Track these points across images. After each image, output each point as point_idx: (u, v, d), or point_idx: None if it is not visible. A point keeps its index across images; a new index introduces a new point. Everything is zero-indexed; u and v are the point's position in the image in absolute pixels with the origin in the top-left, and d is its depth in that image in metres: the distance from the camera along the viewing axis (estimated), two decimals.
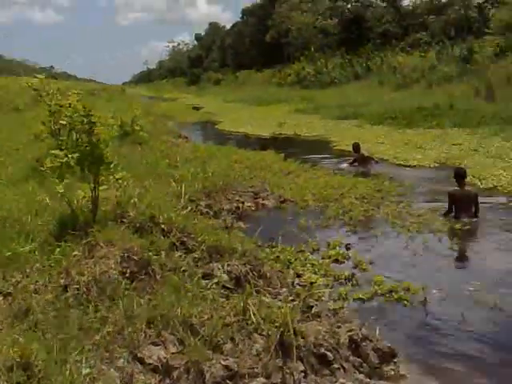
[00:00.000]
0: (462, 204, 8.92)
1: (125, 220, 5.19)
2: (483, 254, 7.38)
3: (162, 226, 5.20)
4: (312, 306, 5.07)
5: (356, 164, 13.88)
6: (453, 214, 8.91)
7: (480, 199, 9.10)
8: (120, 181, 5.35)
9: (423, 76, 30.92)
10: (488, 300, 5.64)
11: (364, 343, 4.45)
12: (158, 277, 4.26)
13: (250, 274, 5.11)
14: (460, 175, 9.14)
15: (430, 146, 15.87)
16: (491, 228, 8.42)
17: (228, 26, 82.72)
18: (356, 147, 14.10)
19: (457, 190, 9.02)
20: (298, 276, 6.25)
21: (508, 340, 5.05)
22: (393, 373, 4.36)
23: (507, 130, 16.52)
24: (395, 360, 4.48)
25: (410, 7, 47.56)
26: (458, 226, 8.34)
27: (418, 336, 5.13)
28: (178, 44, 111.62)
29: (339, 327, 4.62)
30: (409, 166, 13.69)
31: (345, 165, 14.00)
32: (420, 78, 31.05)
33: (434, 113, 21.66)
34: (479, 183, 11.19)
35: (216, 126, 27.10)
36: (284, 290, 5.36)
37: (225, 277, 4.78)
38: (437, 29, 39.33)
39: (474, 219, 8.77)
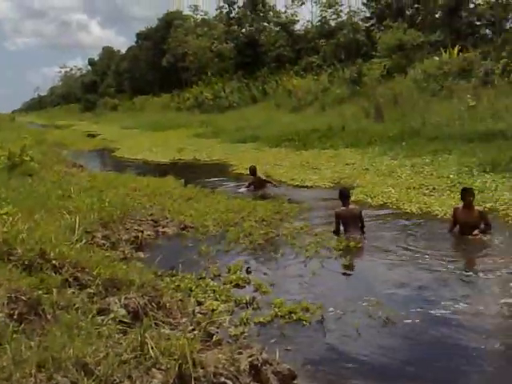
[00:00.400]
0: (349, 222, 9.27)
1: (12, 258, 4.95)
2: (376, 269, 7.67)
3: (54, 261, 4.99)
4: (213, 334, 5.04)
5: (252, 188, 14.00)
6: (342, 232, 9.25)
7: (371, 216, 9.51)
8: (5, 216, 5.12)
9: (317, 98, 31.88)
10: (381, 315, 5.86)
11: (264, 367, 4.47)
12: (49, 316, 4.08)
13: (149, 305, 5.02)
14: (344, 195, 9.51)
15: (325, 167, 16.37)
16: (382, 244, 8.76)
17: (123, 51, 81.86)
18: (252, 170, 14.19)
19: (342, 210, 9.36)
20: (199, 304, 6.21)
21: (400, 352, 5.25)
22: None
23: (395, 149, 17.36)
24: (295, 382, 4.53)
25: (302, 31, 48.99)
26: (352, 243, 8.63)
27: (317, 355, 5.23)
28: (71, 69, 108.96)
29: (240, 353, 4.61)
30: (306, 187, 14.06)
31: (243, 189, 14.10)
32: (314, 100, 32.00)
33: (328, 134, 22.35)
34: (370, 200, 11.69)
35: (113, 154, 26.60)
36: (184, 319, 5.30)
37: (122, 311, 4.67)
38: (328, 52, 40.66)
39: (363, 235, 9.17)
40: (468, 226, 8.81)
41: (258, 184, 14.01)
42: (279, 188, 14.03)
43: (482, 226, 8.81)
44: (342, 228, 9.30)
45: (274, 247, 8.79)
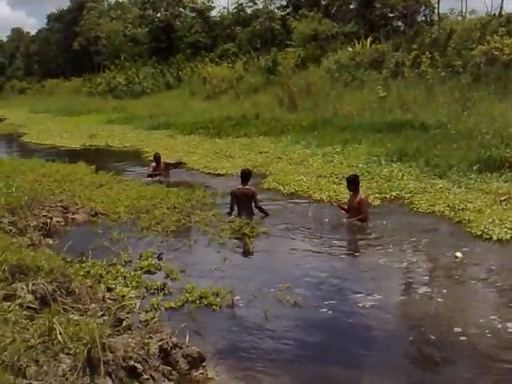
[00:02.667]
0: (241, 201, 9.79)
1: None
2: (287, 256, 7.89)
3: None
4: (123, 320, 5.06)
5: (158, 177, 13.66)
6: (235, 212, 9.79)
7: (283, 204, 9.84)
8: None
9: (231, 86, 31.90)
10: (290, 299, 6.07)
11: (174, 351, 4.55)
12: None
13: (58, 291, 4.97)
14: (242, 175, 10.03)
15: (238, 155, 16.52)
16: (293, 231, 9.03)
17: (33, 33, 78.87)
18: (157, 158, 13.97)
19: (238, 189, 9.87)
20: (109, 290, 6.19)
21: (306, 335, 5.47)
22: (202, 377, 4.53)
23: (307, 138, 17.72)
24: (204, 364, 4.65)
25: (218, 18, 48.81)
26: (264, 229, 8.85)
27: (226, 338, 5.38)
28: None
29: (150, 338, 4.67)
30: (218, 175, 14.15)
31: (148, 179, 13.58)
32: (228, 88, 32.00)
33: (242, 122, 22.50)
34: (282, 188, 11.93)
35: (21, 138, 25.77)
36: (94, 305, 5.28)
37: (29, 297, 4.60)
38: (244, 40, 40.68)
39: (256, 215, 9.72)
40: (351, 211, 9.37)
41: (163, 171, 13.86)
42: (191, 175, 14.05)
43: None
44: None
45: (186, 234, 8.87)
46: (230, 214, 9.80)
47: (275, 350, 5.11)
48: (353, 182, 9.44)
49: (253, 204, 9.83)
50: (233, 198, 9.89)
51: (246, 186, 9.94)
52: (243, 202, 9.84)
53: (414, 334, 5.48)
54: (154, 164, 13.97)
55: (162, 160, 14.01)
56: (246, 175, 10.02)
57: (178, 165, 14.37)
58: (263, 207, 9.97)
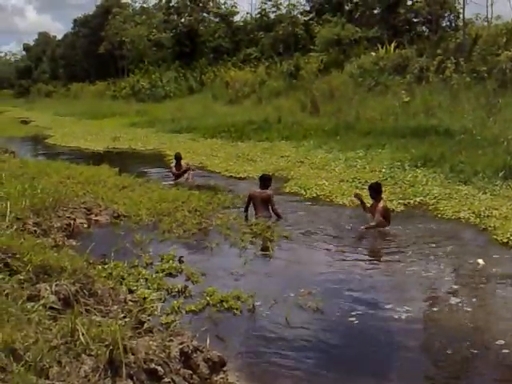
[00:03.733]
0: (258, 203, 9.95)
1: None
2: (309, 260, 7.88)
3: None
4: (144, 322, 5.07)
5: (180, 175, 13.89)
6: (251, 213, 10.02)
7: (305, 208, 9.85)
8: None
9: (254, 90, 31.94)
10: (311, 304, 6.03)
11: (195, 354, 4.54)
12: None
13: (80, 292, 4.99)
14: (261, 179, 10.23)
15: (260, 159, 16.53)
16: (314, 235, 8.99)
17: (59, 37, 79.82)
18: (177, 157, 14.17)
19: (255, 191, 10.09)
20: (131, 292, 6.21)
21: (328, 341, 5.41)
22: (222, 381, 4.51)
23: (330, 143, 17.65)
24: (225, 369, 4.63)
25: (242, 23, 48.88)
26: (286, 233, 8.83)
27: (247, 343, 5.37)
28: (5, 54, 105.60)
29: (171, 341, 4.67)
30: (240, 178, 14.15)
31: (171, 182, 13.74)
32: (251, 92, 32.05)
33: (264, 126, 22.50)
34: (304, 193, 11.91)
35: (47, 141, 26.01)
36: (116, 307, 5.30)
37: (52, 297, 4.63)
38: (266, 45, 40.64)
39: (272, 218, 9.85)
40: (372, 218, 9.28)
41: (183, 172, 13.99)
42: (212, 178, 14.11)
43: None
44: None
45: (207, 237, 8.87)
46: (245, 214, 10.06)
47: (296, 356, 5.07)
48: (375, 190, 9.37)
49: (270, 207, 9.93)
50: (249, 200, 10.12)
51: (264, 190, 10.07)
52: (259, 204, 10.00)
53: (450, 346, 5.22)
54: (173, 164, 14.11)
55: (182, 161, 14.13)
56: (265, 180, 10.20)
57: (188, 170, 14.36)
58: (283, 210, 10.06)
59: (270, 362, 4.96)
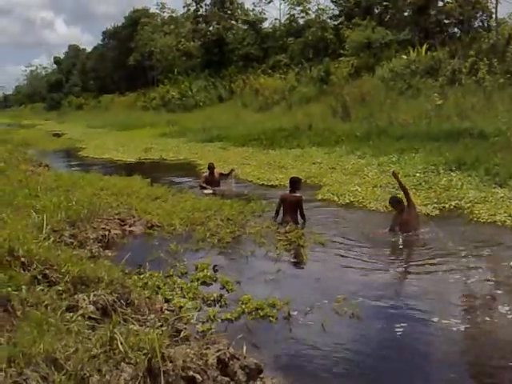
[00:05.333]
0: (287, 206, 10.06)
1: None
2: (344, 266, 7.79)
3: (22, 259, 5.00)
4: (181, 330, 5.10)
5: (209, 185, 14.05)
6: (280, 217, 10.10)
7: (339, 214, 9.89)
8: None
9: (284, 98, 31.85)
10: (347, 310, 6.00)
11: (231, 362, 4.55)
12: (18, 313, 4.10)
13: (117, 302, 5.06)
14: (291, 182, 10.30)
15: (291, 166, 16.48)
16: (350, 242, 8.92)
17: (89, 49, 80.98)
18: (210, 167, 14.37)
19: (285, 194, 10.26)
20: (167, 301, 6.27)
21: (365, 349, 5.37)
22: None
23: (362, 148, 17.50)
24: (261, 376, 4.63)
25: (270, 30, 48.90)
26: (321, 240, 8.79)
27: (283, 350, 5.34)
28: (36, 68, 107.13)
29: (208, 348, 4.69)
30: (271, 186, 14.14)
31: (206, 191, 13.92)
32: (281, 99, 31.96)
33: (295, 133, 22.40)
34: (337, 199, 11.84)
35: (79, 153, 26.33)
36: (152, 316, 5.35)
37: (91, 307, 4.70)
38: (296, 50, 40.55)
39: (300, 223, 9.99)
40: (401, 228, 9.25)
41: (216, 181, 14.18)
42: (244, 187, 14.16)
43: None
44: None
45: (241, 245, 8.88)
46: (275, 218, 10.17)
47: (333, 363, 5.04)
48: (396, 203, 9.33)
49: (298, 211, 10.03)
50: (280, 203, 10.23)
51: (294, 194, 10.16)
52: (288, 207, 10.10)
53: (500, 358, 5.09)
54: (206, 174, 14.25)
55: (215, 170, 14.24)
56: (293, 182, 10.28)
57: (230, 173, 14.58)
58: (316, 217, 10.19)
59: (307, 370, 4.94)
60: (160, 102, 46.33)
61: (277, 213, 10.24)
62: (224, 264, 7.94)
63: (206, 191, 13.82)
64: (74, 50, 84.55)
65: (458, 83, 21.72)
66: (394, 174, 9.62)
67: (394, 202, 9.38)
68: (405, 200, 9.23)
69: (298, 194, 10.17)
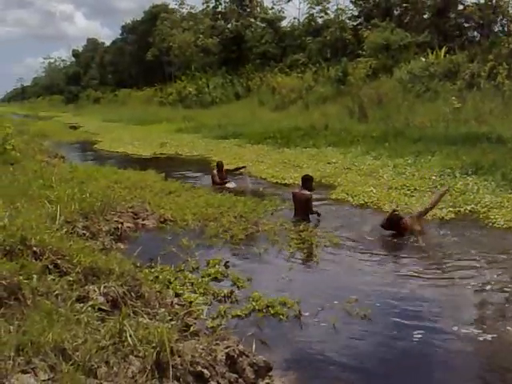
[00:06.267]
0: (297, 203, 10.24)
1: None
2: (356, 267, 7.72)
3: (34, 248, 4.98)
4: (190, 325, 5.08)
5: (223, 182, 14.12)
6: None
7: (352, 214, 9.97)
8: None
9: (301, 96, 31.72)
10: (359, 312, 5.94)
11: (240, 359, 4.52)
12: (28, 302, 4.08)
13: (128, 295, 5.03)
14: (303, 180, 10.38)
15: (306, 165, 16.39)
16: (363, 242, 8.85)
17: (107, 43, 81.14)
18: (219, 165, 14.45)
19: (296, 191, 10.35)
20: (177, 295, 6.26)
21: (376, 350, 5.32)
22: None
23: (378, 149, 17.39)
24: (270, 374, 4.59)
25: (289, 28, 48.78)
26: (335, 240, 8.74)
27: (293, 349, 5.31)
28: (55, 60, 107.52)
29: (217, 344, 4.66)
30: (285, 185, 14.07)
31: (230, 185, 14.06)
32: (298, 98, 31.84)
33: (311, 133, 22.31)
34: (351, 199, 11.77)
35: (95, 146, 26.44)
36: (162, 310, 5.33)
37: (101, 299, 4.68)
38: (314, 50, 40.38)
39: (309, 221, 10.03)
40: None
41: (225, 178, 14.26)
42: (258, 184, 14.15)
43: None
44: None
45: (254, 242, 8.85)
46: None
47: (343, 364, 5.00)
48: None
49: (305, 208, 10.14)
50: (293, 199, 10.39)
51: (304, 191, 10.21)
52: (298, 205, 10.21)
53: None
54: (215, 171, 14.31)
55: (224, 168, 14.38)
56: (305, 180, 10.34)
57: (240, 169, 14.78)
58: (330, 217, 10.22)
59: (316, 369, 4.91)
60: (177, 97, 46.39)
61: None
62: (236, 261, 7.93)
63: (228, 185, 13.95)
64: (93, 44, 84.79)
65: (477, 87, 21.52)
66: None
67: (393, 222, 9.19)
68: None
69: (307, 192, 10.17)
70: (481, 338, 5.42)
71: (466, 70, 23.33)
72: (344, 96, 27.39)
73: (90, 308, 4.42)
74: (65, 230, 6.69)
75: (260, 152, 19.98)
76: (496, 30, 30.39)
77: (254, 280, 7.04)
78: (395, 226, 9.08)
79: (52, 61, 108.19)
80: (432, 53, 26.97)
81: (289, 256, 8.12)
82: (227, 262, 7.67)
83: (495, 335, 5.47)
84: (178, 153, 22.12)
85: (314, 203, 10.41)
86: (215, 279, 7.03)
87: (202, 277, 7.03)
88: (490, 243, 8.67)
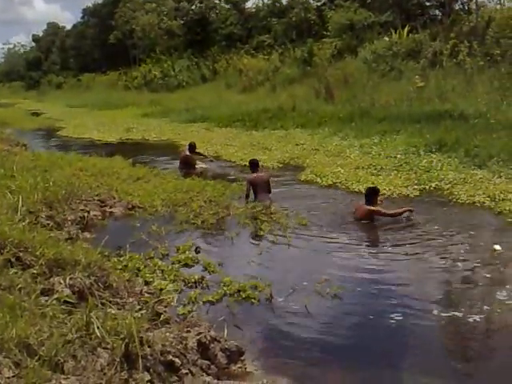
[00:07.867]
0: (258, 187, 10.26)
1: None
2: (326, 248, 7.76)
3: None
4: (161, 313, 5.03)
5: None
6: (252, 197, 10.25)
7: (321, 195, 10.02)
8: None
9: (267, 78, 31.59)
10: (330, 292, 5.97)
11: (212, 345, 4.50)
12: None
13: (95, 285, 4.94)
14: (252, 164, 10.80)
15: (275, 147, 16.37)
16: (333, 224, 8.87)
17: (68, 27, 79.55)
18: (191, 146, 14.52)
19: (254, 176, 10.43)
20: (147, 283, 6.18)
21: (347, 329, 5.37)
22: (240, 371, 4.46)
23: (345, 130, 17.49)
24: (242, 358, 4.58)
25: (254, 10, 48.36)
26: (304, 222, 8.74)
27: (265, 332, 5.33)
28: (14, 46, 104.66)
29: (188, 331, 4.63)
30: None
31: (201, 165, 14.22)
32: (264, 80, 31.70)
33: (279, 114, 22.30)
34: (320, 180, 11.79)
35: (59, 133, 25.98)
36: (131, 299, 5.26)
37: (67, 291, 4.57)
38: (279, 31, 40.22)
39: (269, 197, 10.30)
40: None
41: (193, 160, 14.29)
42: (227, 167, 14.15)
43: None
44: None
45: (226, 226, 8.81)
46: (246, 198, 10.27)
47: (315, 344, 5.03)
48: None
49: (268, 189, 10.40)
50: (249, 186, 10.34)
51: (260, 173, 10.53)
52: (260, 188, 10.30)
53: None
54: (187, 152, 14.36)
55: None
56: (255, 164, 10.72)
57: (205, 156, 14.98)
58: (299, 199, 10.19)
59: (289, 351, 4.91)
60: (142, 81, 45.77)
61: (247, 195, 10.32)
62: (207, 246, 7.90)
63: (200, 165, 14.12)
64: (53, 28, 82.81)
65: (439, 65, 21.67)
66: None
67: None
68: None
69: (265, 174, 10.73)
70: (448, 315, 5.50)
71: (428, 48, 23.44)
72: (310, 77, 27.30)
73: (55, 301, 4.31)
74: (27, 220, 6.55)
75: (228, 135, 19.89)
76: (457, 7, 30.55)
77: (225, 265, 7.03)
78: (373, 197, 9.06)
79: (11, 46, 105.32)
80: (395, 32, 27.02)
81: (259, 239, 8.12)
82: (198, 247, 7.62)
83: (462, 312, 5.54)
84: (145, 138, 21.90)
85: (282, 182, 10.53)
86: (186, 265, 6.98)
87: (173, 263, 6.97)
88: (453, 219, 8.81)
